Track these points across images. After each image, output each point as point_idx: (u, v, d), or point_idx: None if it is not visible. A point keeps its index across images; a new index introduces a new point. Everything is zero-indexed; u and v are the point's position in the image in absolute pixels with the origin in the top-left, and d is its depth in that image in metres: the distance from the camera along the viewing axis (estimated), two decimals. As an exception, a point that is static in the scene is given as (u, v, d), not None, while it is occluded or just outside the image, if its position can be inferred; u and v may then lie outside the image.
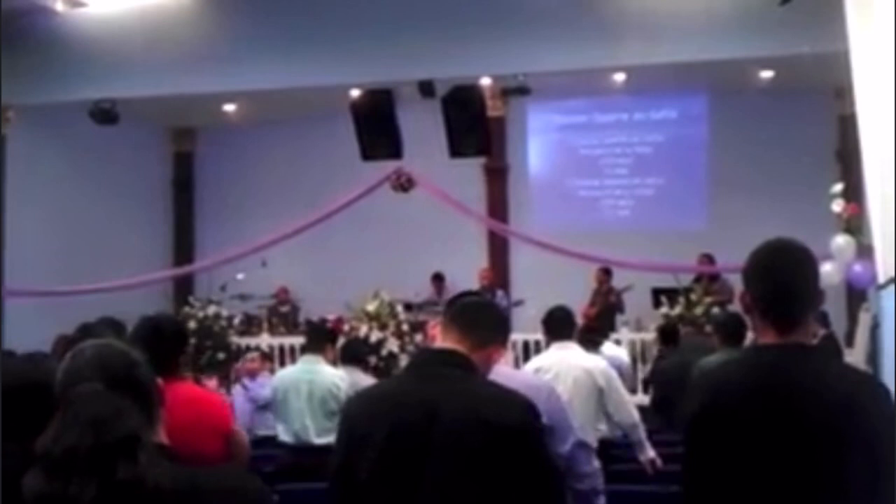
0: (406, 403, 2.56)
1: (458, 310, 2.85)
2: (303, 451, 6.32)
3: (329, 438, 6.40)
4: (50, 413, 2.35)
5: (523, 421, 2.53)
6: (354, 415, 2.67)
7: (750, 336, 7.26)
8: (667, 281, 12.12)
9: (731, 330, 6.03)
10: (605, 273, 12.97)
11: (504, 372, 3.35)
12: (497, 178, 15.17)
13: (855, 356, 9.45)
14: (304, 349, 6.83)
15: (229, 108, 14.65)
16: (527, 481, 2.48)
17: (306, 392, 6.42)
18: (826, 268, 7.91)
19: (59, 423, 1.67)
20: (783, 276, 2.36)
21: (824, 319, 10.03)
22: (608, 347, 8.01)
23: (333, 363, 6.90)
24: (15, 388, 2.31)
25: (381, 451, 2.50)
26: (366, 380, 7.21)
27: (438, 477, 2.45)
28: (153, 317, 3.43)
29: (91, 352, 1.90)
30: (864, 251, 7.99)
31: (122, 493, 1.59)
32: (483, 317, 2.83)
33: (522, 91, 12.08)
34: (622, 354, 8.69)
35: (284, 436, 6.55)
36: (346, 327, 12.29)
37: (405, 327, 11.92)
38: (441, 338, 2.78)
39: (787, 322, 2.35)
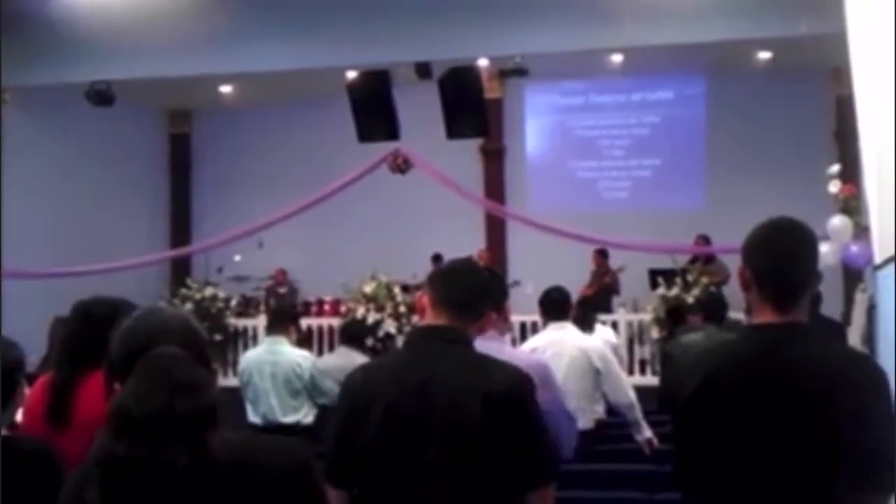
0: (405, 378, 2.60)
1: (447, 287, 2.78)
2: (271, 431, 6.36)
3: (296, 416, 6.48)
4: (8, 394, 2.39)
5: (521, 391, 2.58)
6: (354, 389, 2.69)
7: (733, 315, 7.39)
8: (663, 262, 12.14)
9: (712, 308, 6.62)
10: (601, 255, 12.97)
11: (505, 351, 3.38)
12: (494, 159, 15.17)
13: (851, 337, 9.45)
14: (267, 330, 6.89)
15: (226, 89, 14.61)
16: (523, 449, 2.53)
17: (269, 373, 6.50)
18: (822, 248, 7.86)
19: (141, 383, 1.60)
20: (784, 253, 2.36)
21: (818, 302, 10.01)
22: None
23: (298, 343, 6.96)
24: None
25: (381, 425, 2.53)
26: (362, 360, 7.23)
27: (439, 449, 2.49)
28: (85, 301, 3.23)
29: (160, 316, 1.83)
30: (861, 232, 7.98)
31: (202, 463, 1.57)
32: (472, 289, 2.79)
33: (520, 72, 12.07)
34: (609, 336, 8.27)
35: (253, 417, 6.60)
36: (343, 309, 12.32)
37: (402, 308, 11.93)
38: (433, 314, 2.73)
39: (784, 299, 2.35)
